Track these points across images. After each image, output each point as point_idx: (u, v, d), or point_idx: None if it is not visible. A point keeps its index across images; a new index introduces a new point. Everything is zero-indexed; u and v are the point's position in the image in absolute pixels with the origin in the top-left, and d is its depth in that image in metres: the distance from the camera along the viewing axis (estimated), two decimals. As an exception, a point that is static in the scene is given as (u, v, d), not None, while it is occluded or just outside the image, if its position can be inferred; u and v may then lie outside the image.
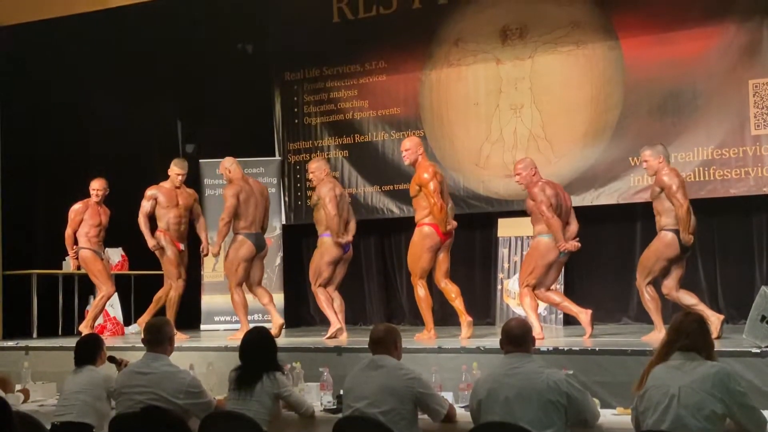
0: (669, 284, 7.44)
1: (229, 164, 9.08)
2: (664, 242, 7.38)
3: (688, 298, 7.38)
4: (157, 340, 5.37)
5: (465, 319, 8.09)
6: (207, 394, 5.33)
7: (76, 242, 9.40)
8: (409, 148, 8.30)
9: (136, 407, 5.05)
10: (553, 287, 8.28)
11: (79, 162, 10.74)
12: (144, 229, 9.29)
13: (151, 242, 9.28)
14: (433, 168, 8.22)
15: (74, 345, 5.99)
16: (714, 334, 7.02)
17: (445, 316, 9.20)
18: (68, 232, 9.37)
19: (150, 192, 9.35)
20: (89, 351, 5.79)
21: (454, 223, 8.21)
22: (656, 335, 7.29)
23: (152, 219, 9.41)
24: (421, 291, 8.24)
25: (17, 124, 10.19)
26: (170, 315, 9.22)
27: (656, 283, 7.51)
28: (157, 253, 9.37)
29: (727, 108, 9.24)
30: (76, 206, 9.40)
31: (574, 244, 7.77)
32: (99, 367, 5.77)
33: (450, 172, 10.08)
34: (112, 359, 5.97)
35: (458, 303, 8.18)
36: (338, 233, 8.54)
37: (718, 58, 9.28)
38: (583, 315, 7.86)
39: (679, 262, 7.42)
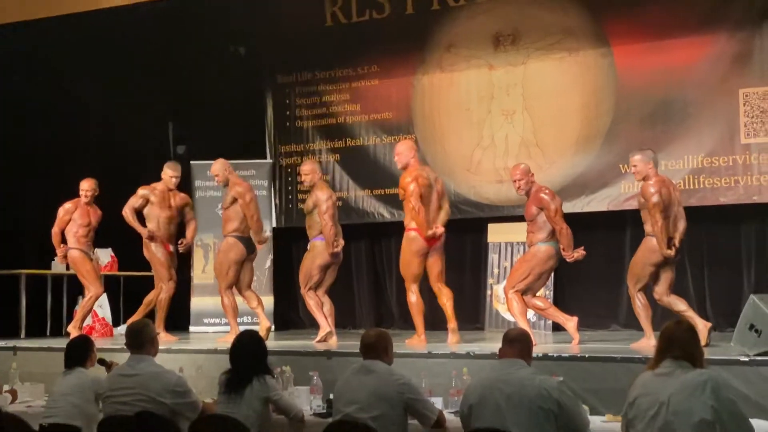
0: (659, 289, 7.46)
1: (225, 166, 9.02)
2: (649, 247, 7.41)
3: (679, 304, 7.40)
4: (138, 342, 5.36)
5: (450, 325, 8.09)
6: (193, 394, 5.32)
7: (64, 241, 9.38)
8: (400, 152, 8.32)
9: (123, 410, 5.05)
10: (539, 293, 8.29)
11: (69, 162, 10.71)
12: (132, 221, 9.22)
13: (144, 231, 9.24)
14: (416, 172, 8.18)
15: (63, 346, 5.98)
16: (702, 342, 7.07)
17: (435, 321, 9.19)
18: (55, 230, 9.36)
19: (142, 192, 9.34)
20: (79, 353, 5.79)
21: (439, 229, 8.15)
22: (645, 342, 7.31)
23: (140, 219, 9.38)
24: (412, 297, 8.24)
25: (6, 123, 10.16)
26: (160, 317, 9.21)
27: (648, 291, 7.53)
28: (146, 254, 9.34)
29: (717, 116, 9.28)
30: (66, 205, 9.40)
31: (581, 252, 7.79)
32: (89, 370, 5.77)
33: (441, 177, 10.08)
34: (101, 362, 5.96)
35: (448, 307, 8.17)
36: (333, 243, 8.52)
37: (709, 66, 9.32)
38: (570, 323, 7.87)
39: (667, 266, 7.43)
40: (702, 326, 7.11)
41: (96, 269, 9.60)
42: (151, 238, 9.24)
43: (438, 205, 8.28)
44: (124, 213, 9.25)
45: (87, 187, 9.41)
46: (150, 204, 9.33)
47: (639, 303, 7.53)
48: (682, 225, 7.46)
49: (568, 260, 7.84)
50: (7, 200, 10.19)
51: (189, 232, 9.62)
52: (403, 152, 8.30)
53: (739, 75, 9.19)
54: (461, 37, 10.56)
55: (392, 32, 10.88)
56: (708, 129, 9.32)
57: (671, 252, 7.30)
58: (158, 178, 9.50)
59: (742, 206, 9.29)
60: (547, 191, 7.90)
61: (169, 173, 9.43)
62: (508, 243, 10.32)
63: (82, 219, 9.38)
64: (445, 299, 8.19)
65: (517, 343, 4.68)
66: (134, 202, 9.31)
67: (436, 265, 8.19)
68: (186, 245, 9.56)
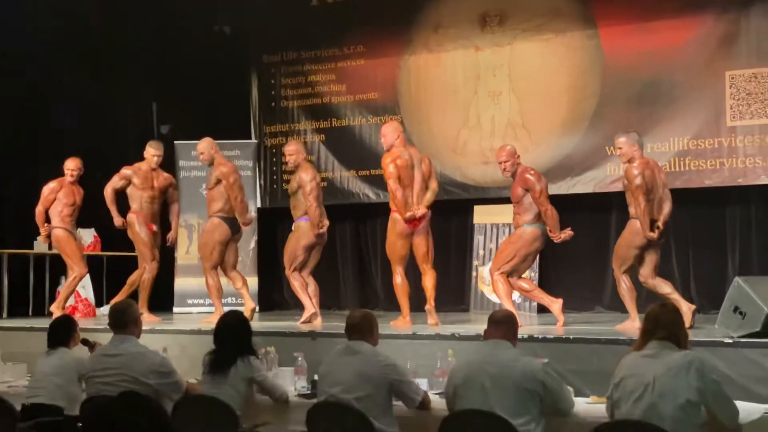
0: (644, 272, 7.46)
1: (211, 145, 8.93)
2: (633, 230, 7.41)
3: (664, 287, 7.41)
4: (121, 322, 5.34)
5: (426, 306, 8.06)
6: (177, 374, 5.30)
7: (47, 220, 9.32)
8: (385, 134, 8.26)
9: (106, 390, 5.03)
10: (525, 275, 8.28)
11: (51, 142, 10.63)
12: (110, 202, 9.20)
13: (118, 219, 9.21)
14: (395, 153, 8.09)
15: (45, 326, 5.95)
16: (686, 324, 7.09)
17: (421, 303, 9.19)
18: (39, 209, 9.30)
19: (126, 171, 9.28)
20: (63, 333, 5.77)
21: (420, 210, 8.03)
22: (630, 324, 7.32)
23: (123, 198, 9.33)
24: (397, 278, 8.20)
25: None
26: (144, 297, 9.17)
27: (633, 273, 7.54)
28: (129, 234, 9.29)
29: (703, 99, 9.29)
30: (51, 184, 9.33)
31: (568, 233, 7.78)
32: (72, 350, 5.74)
33: (427, 158, 10.07)
34: (85, 342, 5.94)
35: (429, 288, 8.13)
36: (318, 224, 8.47)
37: (696, 49, 9.31)
38: (555, 305, 7.87)
39: (651, 249, 7.43)
40: (686, 308, 7.12)
41: (80, 249, 9.55)
42: (122, 227, 9.21)
43: (424, 185, 8.18)
44: (105, 192, 9.20)
45: (72, 166, 9.34)
46: (132, 184, 9.27)
47: (624, 285, 7.53)
48: (667, 207, 7.45)
49: (555, 241, 7.83)
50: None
51: (173, 218, 9.55)
52: (387, 133, 8.25)
53: (726, 57, 9.19)
54: (448, 17, 10.51)
55: (379, 12, 10.82)
56: (694, 111, 9.32)
57: (654, 234, 7.30)
58: (142, 158, 9.43)
59: (727, 189, 9.31)
60: (532, 172, 7.88)
61: (151, 152, 9.36)
62: (493, 224, 10.31)
63: (67, 198, 9.31)
64: (428, 280, 8.15)
65: (503, 325, 4.68)
66: (116, 181, 9.26)
67: (421, 245, 8.14)
68: (173, 240, 9.52)
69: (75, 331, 5.85)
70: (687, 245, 9.63)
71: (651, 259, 7.47)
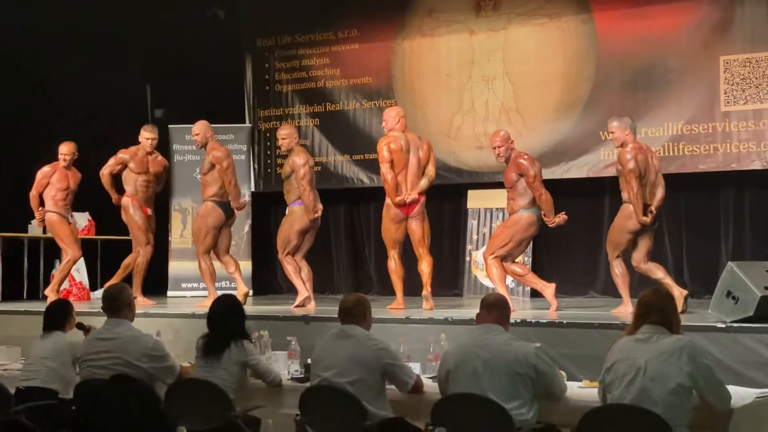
0: (637, 257, 7.49)
1: (207, 128, 8.89)
2: (626, 214, 7.43)
3: (657, 272, 7.43)
4: (115, 306, 5.35)
5: (423, 292, 8.06)
6: (170, 358, 5.32)
7: (42, 204, 9.32)
8: (386, 119, 8.25)
9: (100, 373, 5.04)
10: (518, 260, 8.29)
11: (45, 125, 10.62)
12: (107, 184, 9.25)
13: (115, 197, 9.26)
14: (389, 138, 8.07)
15: (40, 309, 5.95)
16: (678, 309, 7.11)
17: (415, 287, 9.20)
18: (33, 193, 9.32)
19: (122, 155, 9.31)
20: (58, 316, 5.78)
21: (410, 195, 8.00)
22: (623, 309, 7.35)
23: (117, 181, 9.34)
24: (391, 263, 8.21)
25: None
26: (138, 281, 9.18)
27: (626, 258, 7.55)
28: (124, 218, 9.29)
29: (698, 84, 9.28)
30: (45, 169, 9.34)
31: (562, 217, 7.78)
32: (66, 333, 5.75)
33: (421, 142, 10.05)
34: (80, 326, 5.94)
35: (425, 274, 8.12)
36: (312, 209, 8.46)
37: (690, 34, 9.30)
38: (548, 290, 7.87)
39: (644, 234, 7.45)
40: (678, 293, 7.15)
41: (74, 233, 9.55)
42: (118, 205, 9.22)
43: (419, 170, 8.13)
44: (101, 175, 9.22)
45: (66, 150, 9.34)
46: (128, 168, 9.29)
47: (617, 270, 7.55)
48: (660, 192, 7.46)
49: (549, 225, 7.83)
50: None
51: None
52: (389, 118, 8.23)
53: (720, 42, 9.18)
54: (442, 1, 10.48)
55: (373, -4, 10.81)
56: (688, 96, 9.32)
57: (647, 219, 7.32)
58: (136, 142, 9.43)
59: (721, 174, 9.31)
60: (526, 157, 7.88)
61: (146, 135, 9.38)
62: (487, 209, 10.32)
63: (60, 182, 9.32)
64: (423, 265, 8.15)
65: (495, 309, 4.69)
66: (113, 165, 9.28)
67: (417, 230, 8.12)
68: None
69: (71, 315, 5.86)
70: (680, 230, 9.64)
71: (644, 244, 7.49)
